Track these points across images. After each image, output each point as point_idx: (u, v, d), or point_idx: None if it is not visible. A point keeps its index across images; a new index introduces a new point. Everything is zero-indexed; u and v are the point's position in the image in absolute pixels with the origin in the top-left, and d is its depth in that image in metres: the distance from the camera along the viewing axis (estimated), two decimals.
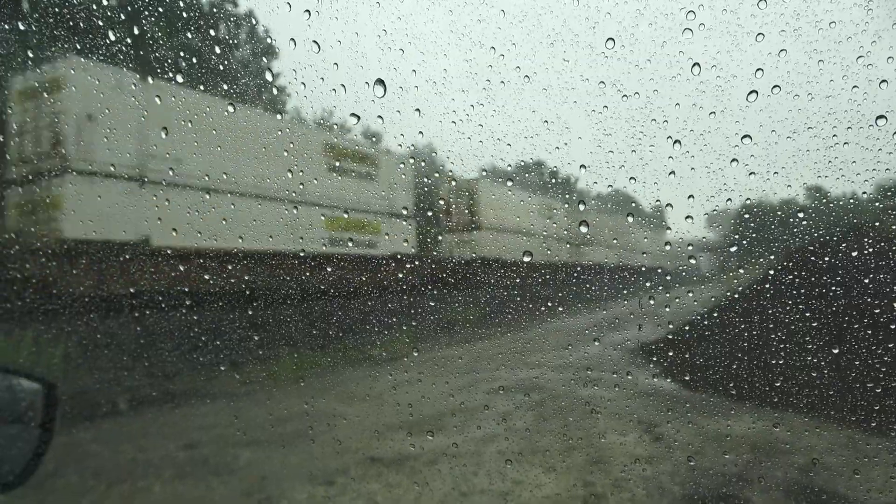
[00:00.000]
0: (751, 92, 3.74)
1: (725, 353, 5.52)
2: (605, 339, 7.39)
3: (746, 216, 4.77)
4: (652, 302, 5.25)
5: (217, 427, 5.98)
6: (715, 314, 5.84)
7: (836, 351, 4.49)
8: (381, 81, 3.96)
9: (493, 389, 6.49)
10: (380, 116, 4.34)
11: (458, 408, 5.92)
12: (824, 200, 4.77)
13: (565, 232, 12.20)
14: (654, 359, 6.29)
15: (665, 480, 4.30)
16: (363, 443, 5.22)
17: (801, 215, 4.66)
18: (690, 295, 5.57)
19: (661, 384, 6.05)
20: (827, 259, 4.81)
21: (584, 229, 4.87)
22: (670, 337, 5.84)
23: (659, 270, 5.51)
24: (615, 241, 13.54)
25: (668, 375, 6.01)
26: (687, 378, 5.80)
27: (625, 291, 7.22)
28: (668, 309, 5.54)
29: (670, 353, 5.95)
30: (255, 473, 4.70)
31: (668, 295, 5.47)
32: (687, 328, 5.77)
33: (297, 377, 7.60)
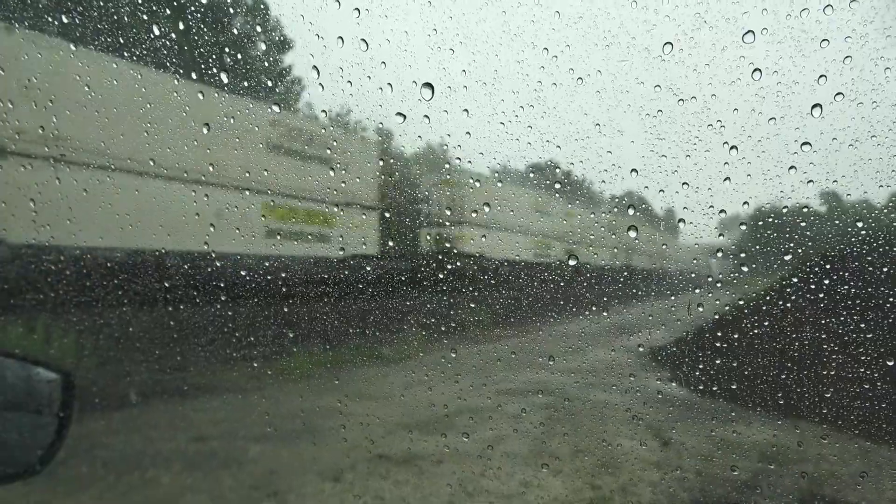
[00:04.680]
0: (814, 106, 3.70)
1: (774, 361, 5.45)
2: (648, 343, 7.35)
3: (803, 224, 4.70)
4: (701, 309, 5.21)
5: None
6: (766, 322, 5.75)
7: (890, 363, 4.39)
8: (429, 85, 4.02)
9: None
10: (426, 116, 4.41)
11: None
12: (885, 210, 4.67)
13: (613, 236, 12.29)
14: (712, 362, 6.24)
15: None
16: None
17: (860, 224, 4.57)
18: (742, 302, 5.50)
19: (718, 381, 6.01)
20: (886, 269, 4.71)
21: (633, 234, 4.86)
22: (717, 344, 5.78)
23: (709, 279, 5.45)
24: (664, 247, 13.44)
25: (724, 377, 5.97)
26: (735, 385, 5.74)
27: (672, 298, 7.15)
28: (716, 316, 5.50)
29: (717, 361, 5.89)
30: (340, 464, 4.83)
31: (717, 302, 5.41)
32: (736, 335, 5.70)
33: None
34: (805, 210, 4.44)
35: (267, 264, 9.54)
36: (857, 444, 4.69)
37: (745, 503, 4.06)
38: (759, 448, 4.89)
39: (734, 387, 5.62)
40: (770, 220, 4.68)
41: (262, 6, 13.05)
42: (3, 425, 1.31)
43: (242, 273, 8.26)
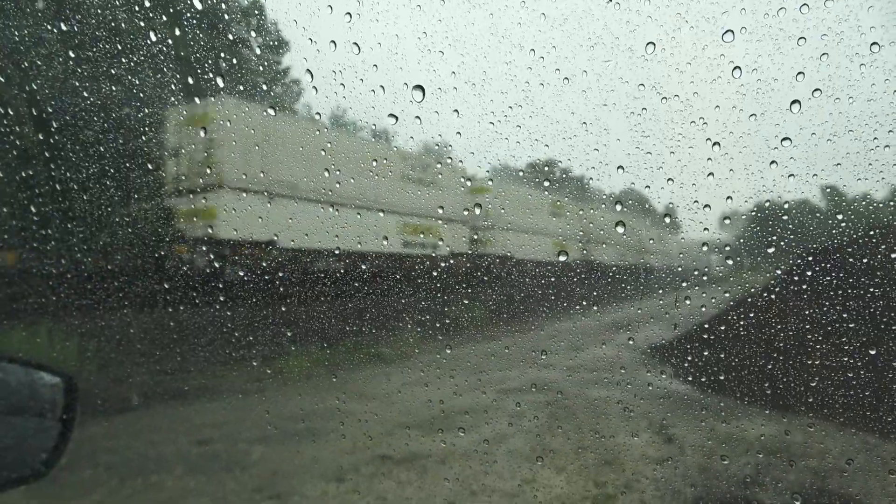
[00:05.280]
0: (793, 102, 3.78)
1: (761, 353, 5.55)
2: (637, 337, 7.45)
3: (784, 218, 4.81)
4: (688, 302, 5.30)
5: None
6: (751, 314, 5.87)
7: (872, 352, 4.51)
8: (419, 87, 4.07)
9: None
10: (417, 117, 4.46)
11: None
12: (864, 202, 4.78)
13: (601, 232, 12.29)
14: (700, 354, 6.34)
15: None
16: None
17: (839, 217, 4.68)
18: (727, 295, 5.61)
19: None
20: (865, 261, 4.82)
21: (620, 230, 4.94)
22: (705, 337, 5.88)
23: (695, 272, 5.55)
24: (651, 242, 13.54)
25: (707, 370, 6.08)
26: (722, 377, 5.85)
27: (660, 291, 7.25)
28: (703, 309, 5.60)
29: (705, 353, 6.00)
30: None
31: (703, 295, 5.51)
32: (723, 328, 5.81)
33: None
34: (786, 204, 4.55)
35: None
36: (843, 431, 4.79)
37: (746, 497, 4.15)
38: (748, 437, 4.99)
39: (722, 378, 5.72)
40: (753, 213, 4.78)
41: (256, 11, 12.91)
42: (6, 430, 1.31)
43: None
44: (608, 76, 5.07)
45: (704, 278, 5.60)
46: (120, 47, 7.76)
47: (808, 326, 5.10)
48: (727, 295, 5.55)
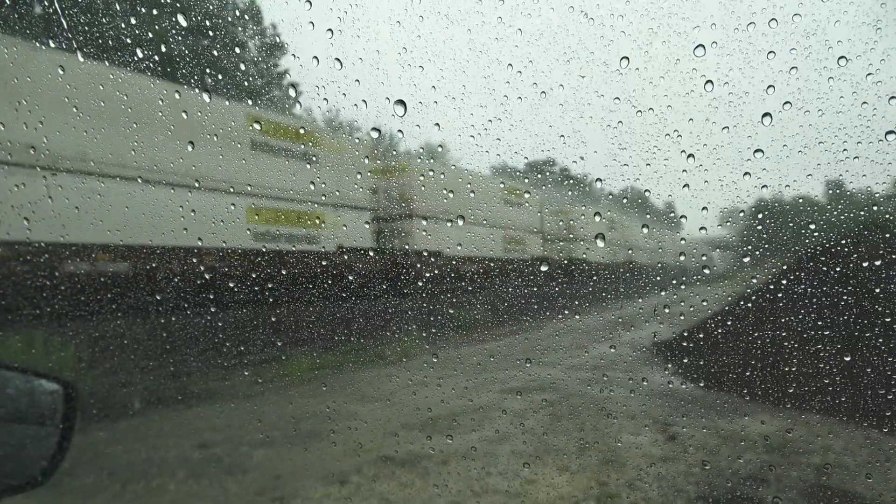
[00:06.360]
0: (764, 115, 3.86)
1: (739, 356, 5.63)
2: (620, 344, 7.51)
3: (759, 228, 4.90)
4: (667, 311, 5.37)
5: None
6: (728, 322, 5.95)
7: (847, 359, 4.60)
8: (401, 102, 4.07)
9: None
10: (400, 130, 4.50)
11: None
12: (835, 213, 4.89)
13: (581, 243, 12.38)
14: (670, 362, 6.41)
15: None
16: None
17: (812, 227, 4.78)
18: (704, 304, 5.69)
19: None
20: (838, 269, 4.92)
21: (601, 243, 5.00)
22: (685, 345, 5.97)
23: (673, 282, 5.63)
24: (630, 252, 13.64)
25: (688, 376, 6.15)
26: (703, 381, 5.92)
27: (640, 300, 7.34)
28: (682, 318, 5.66)
29: (685, 360, 6.08)
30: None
31: (682, 304, 5.58)
32: (702, 335, 5.89)
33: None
34: (760, 214, 4.63)
35: None
36: (821, 436, 4.86)
37: (751, 497, 4.17)
38: (730, 442, 5.04)
39: (702, 384, 5.79)
40: (728, 224, 4.86)
41: (242, 24, 12.94)
42: (5, 437, 1.30)
43: None
44: (584, 90, 5.15)
45: (682, 287, 5.66)
46: None
47: (784, 333, 5.18)
48: (705, 303, 5.62)
